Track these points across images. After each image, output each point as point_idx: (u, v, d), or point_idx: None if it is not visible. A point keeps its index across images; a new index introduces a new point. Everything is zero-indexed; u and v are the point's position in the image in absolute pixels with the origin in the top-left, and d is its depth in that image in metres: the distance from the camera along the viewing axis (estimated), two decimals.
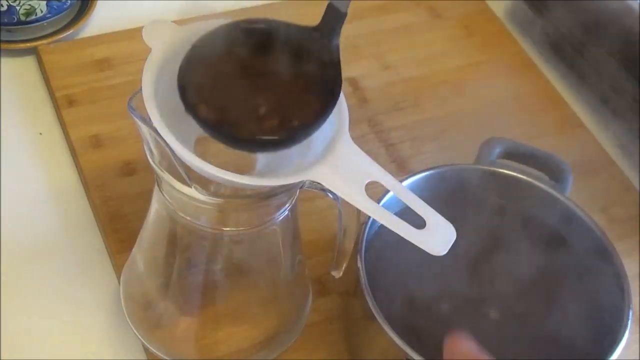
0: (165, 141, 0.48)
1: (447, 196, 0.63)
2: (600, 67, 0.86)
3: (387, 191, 0.57)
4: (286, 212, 0.56)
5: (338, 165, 0.51)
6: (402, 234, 0.49)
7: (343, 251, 0.58)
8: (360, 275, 0.58)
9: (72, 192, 0.73)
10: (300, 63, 0.52)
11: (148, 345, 0.63)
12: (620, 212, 0.79)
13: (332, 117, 0.52)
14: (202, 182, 0.51)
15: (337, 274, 0.60)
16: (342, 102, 0.53)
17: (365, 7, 0.90)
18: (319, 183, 0.53)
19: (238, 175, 0.49)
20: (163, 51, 0.51)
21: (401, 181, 0.59)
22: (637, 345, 0.69)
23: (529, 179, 0.66)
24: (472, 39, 0.91)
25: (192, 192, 0.51)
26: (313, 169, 0.50)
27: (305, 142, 0.52)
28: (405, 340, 0.56)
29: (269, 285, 0.61)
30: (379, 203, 0.53)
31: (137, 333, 0.63)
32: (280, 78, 0.52)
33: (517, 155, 0.70)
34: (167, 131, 0.48)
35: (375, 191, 0.52)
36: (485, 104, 0.85)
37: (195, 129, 0.51)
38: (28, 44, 0.81)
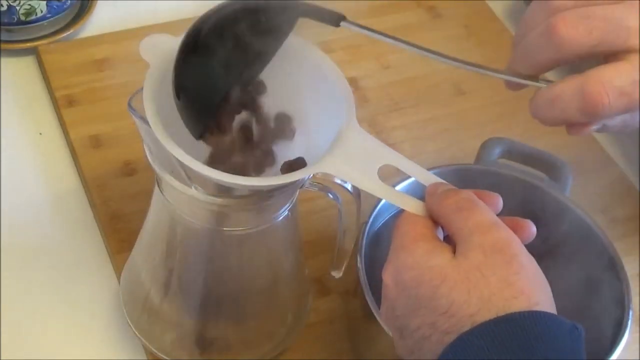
0: (174, 155, 0.48)
1: None
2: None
3: (400, 180, 0.57)
4: (286, 212, 0.56)
5: (348, 153, 0.50)
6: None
7: (343, 251, 0.58)
8: (360, 275, 0.58)
9: (72, 192, 0.73)
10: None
11: (148, 345, 0.63)
12: (620, 212, 0.79)
13: (339, 111, 0.52)
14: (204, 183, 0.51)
15: (337, 274, 0.60)
16: (348, 91, 0.53)
17: (365, 7, 0.90)
18: (321, 183, 0.53)
19: (241, 178, 0.49)
20: (162, 62, 0.52)
21: (401, 181, 0.59)
22: (637, 345, 0.69)
23: (529, 179, 0.66)
24: (472, 39, 0.91)
25: (192, 192, 0.51)
26: (322, 162, 0.50)
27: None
28: None
29: (269, 285, 0.61)
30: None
31: (137, 333, 0.63)
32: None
33: (517, 155, 0.70)
34: (171, 142, 0.48)
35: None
36: (485, 104, 0.85)
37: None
38: (28, 44, 0.81)
